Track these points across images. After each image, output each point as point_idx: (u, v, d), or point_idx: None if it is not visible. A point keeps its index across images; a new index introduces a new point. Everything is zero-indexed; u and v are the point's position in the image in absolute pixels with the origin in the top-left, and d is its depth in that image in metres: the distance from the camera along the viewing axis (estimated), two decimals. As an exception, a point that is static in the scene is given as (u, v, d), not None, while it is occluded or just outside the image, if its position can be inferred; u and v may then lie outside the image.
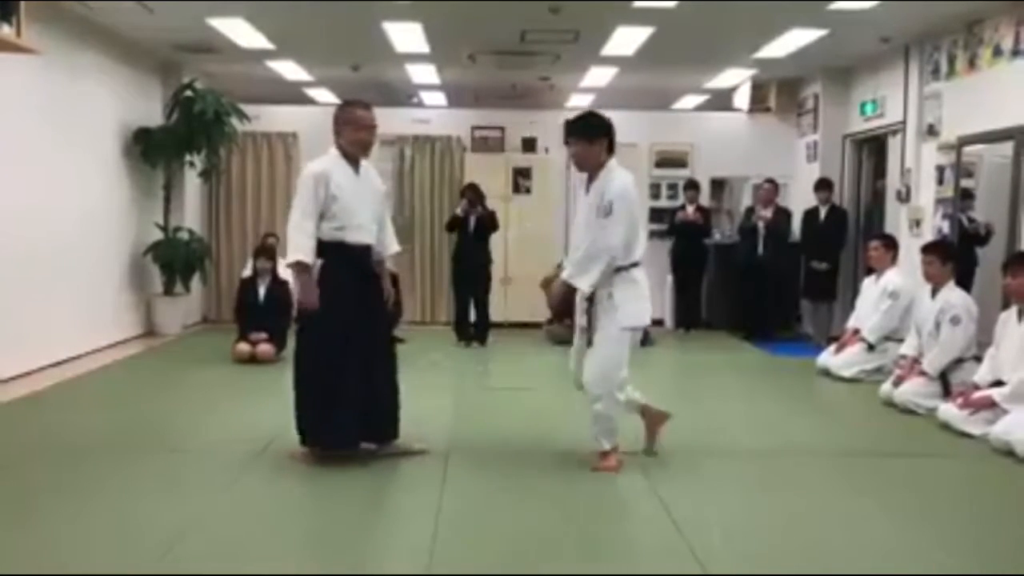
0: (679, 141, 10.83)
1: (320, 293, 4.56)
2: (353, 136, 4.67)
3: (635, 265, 4.52)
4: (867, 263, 7.88)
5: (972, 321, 6.05)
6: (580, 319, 4.67)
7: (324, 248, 4.56)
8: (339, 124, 4.70)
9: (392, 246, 4.97)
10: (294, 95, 11.68)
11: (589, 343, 4.56)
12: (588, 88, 11.30)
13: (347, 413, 4.56)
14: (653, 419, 4.84)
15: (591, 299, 4.51)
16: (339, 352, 4.55)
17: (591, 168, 4.56)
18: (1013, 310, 5.61)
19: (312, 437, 4.66)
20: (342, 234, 4.59)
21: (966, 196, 7.81)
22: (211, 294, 10.47)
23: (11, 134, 6.81)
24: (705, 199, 10.54)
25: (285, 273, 8.52)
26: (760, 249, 9.46)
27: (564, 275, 4.62)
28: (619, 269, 4.48)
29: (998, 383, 5.45)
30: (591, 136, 4.54)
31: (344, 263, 4.60)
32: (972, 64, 7.38)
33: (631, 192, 4.50)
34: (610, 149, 4.55)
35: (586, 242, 4.48)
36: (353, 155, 4.70)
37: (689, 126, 11.09)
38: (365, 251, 4.73)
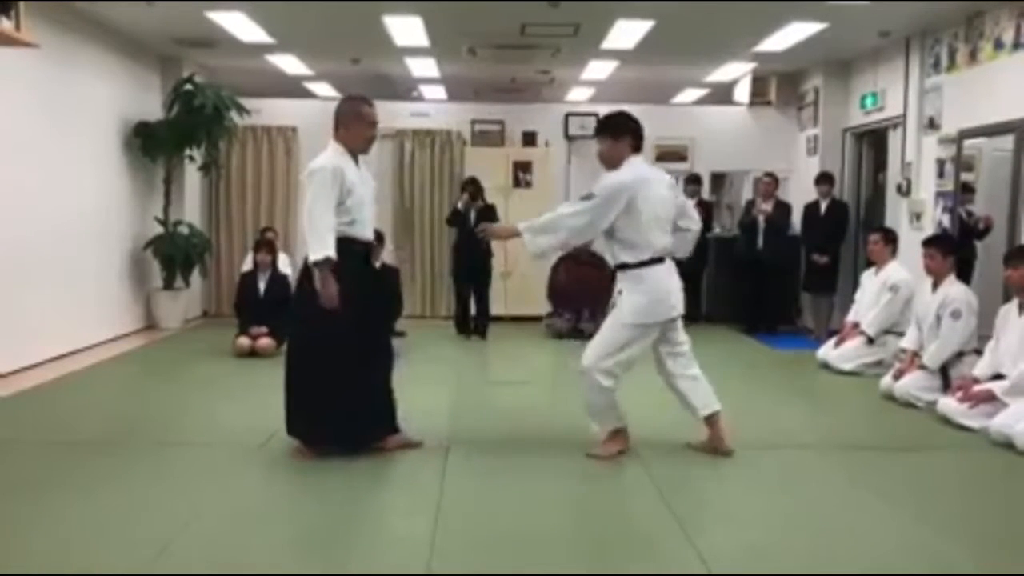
0: (679, 135, 10.81)
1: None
2: (361, 132, 4.63)
3: (644, 264, 4.62)
4: (867, 256, 7.88)
5: (972, 315, 6.05)
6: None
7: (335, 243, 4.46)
8: (346, 119, 4.62)
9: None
10: (294, 89, 11.67)
11: None
12: (588, 81, 11.28)
13: (350, 411, 4.53)
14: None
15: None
16: (345, 349, 4.50)
17: (615, 164, 4.71)
18: (1014, 303, 5.61)
19: (313, 435, 4.63)
20: (352, 229, 4.54)
21: (966, 189, 7.81)
22: (211, 288, 10.48)
23: (10, 128, 6.81)
24: (705, 193, 10.53)
25: (285, 267, 8.57)
26: (760, 243, 9.46)
27: (521, 226, 4.69)
28: (626, 267, 4.64)
29: (998, 376, 5.45)
30: (616, 134, 4.72)
31: (351, 257, 4.53)
32: (973, 57, 7.37)
33: (619, 187, 4.57)
34: (635, 148, 4.74)
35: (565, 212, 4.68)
36: (358, 150, 4.66)
37: (689, 120, 11.06)
38: (368, 245, 4.74)
